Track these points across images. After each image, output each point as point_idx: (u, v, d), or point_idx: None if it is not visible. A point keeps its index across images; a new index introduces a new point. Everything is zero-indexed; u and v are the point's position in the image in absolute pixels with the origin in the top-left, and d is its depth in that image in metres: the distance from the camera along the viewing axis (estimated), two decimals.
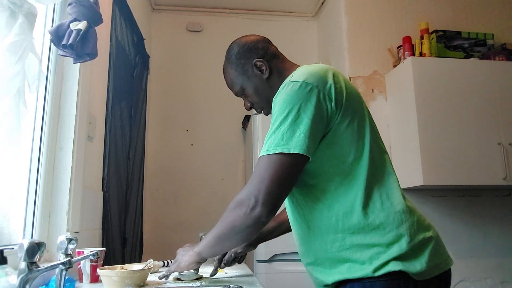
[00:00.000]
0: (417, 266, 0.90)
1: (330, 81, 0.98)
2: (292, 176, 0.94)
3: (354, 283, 0.92)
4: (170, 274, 1.17)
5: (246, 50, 1.15)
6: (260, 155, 0.95)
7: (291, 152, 0.91)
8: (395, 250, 0.90)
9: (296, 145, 0.91)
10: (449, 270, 0.99)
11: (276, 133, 0.93)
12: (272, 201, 0.92)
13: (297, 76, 0.99)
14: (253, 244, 1.36)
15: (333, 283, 0.97)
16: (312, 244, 1.01)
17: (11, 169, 1.25)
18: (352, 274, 0.92)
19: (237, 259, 1.35)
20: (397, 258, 0.90)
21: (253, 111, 2.64)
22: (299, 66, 1.13)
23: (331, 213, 0.96)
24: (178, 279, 1.22)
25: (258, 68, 1.13)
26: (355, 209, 0.94)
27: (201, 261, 1.11)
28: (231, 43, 1.19)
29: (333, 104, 0.96)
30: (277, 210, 0.95)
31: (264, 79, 1.13)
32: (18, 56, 1.03)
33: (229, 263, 1.32)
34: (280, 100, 0.96)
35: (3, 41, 1.03)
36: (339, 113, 0.97)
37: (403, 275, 0.90)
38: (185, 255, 1.13)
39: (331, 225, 0.96)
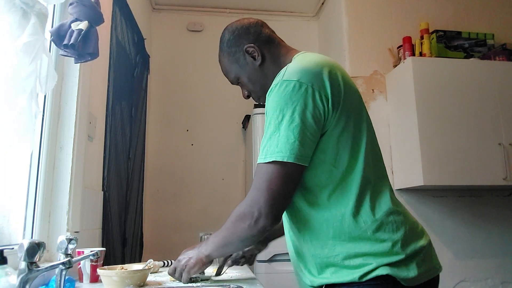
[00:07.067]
0: (406, 272, 0.87)
1: (326, 79, 0.92)
2: (290, 185, 0.91)
3: (342, 287, 0.90)
4: (184, 281, 1.09)
5: (236, 36, 1.09)
6: (257, 163, 0.93)
7: (285, 160, 0.87)
8: (385, 260, 0.87)
9: (291, 154, 0.87)
10: (437, 276, 0.96)
11: (271, 140, 0.89)
12: (274, 211, 0.90)
13: (290, 74, 0.92)
14: (262, 243, 1.34)
15: (318, 287, 0.95)
16: (302, 248, 0.98)
17: (11, 169, 1.25)
18: (339, 279, 0.90)
19: (246, 258, 1.33)
20: (386, 265, 0.87)
21: (253, 110, 2.65)
22: (297, 51, 1.07)
23: (322, 220, 0.93)
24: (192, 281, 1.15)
25: (250, 54, 1.07)
26: (346, 218, 0.90)
27: (209, 263, 1.08)
28: (224, 29, 1.14)
29: (329, 104, 0.90)
30: (281, 218, 0.94)
31: (257, 66, 1.07)
32: (32, 57, 1.03)
33: (236, 262, 1.31)
34: (273, 102, 0.91)
35: (17, 42, 1.02)
36: (336, 114, 0.91)
37: (391, 280, 0.86)
38: (191, 259, 1.07)
39: (322, 231, 0.92)
